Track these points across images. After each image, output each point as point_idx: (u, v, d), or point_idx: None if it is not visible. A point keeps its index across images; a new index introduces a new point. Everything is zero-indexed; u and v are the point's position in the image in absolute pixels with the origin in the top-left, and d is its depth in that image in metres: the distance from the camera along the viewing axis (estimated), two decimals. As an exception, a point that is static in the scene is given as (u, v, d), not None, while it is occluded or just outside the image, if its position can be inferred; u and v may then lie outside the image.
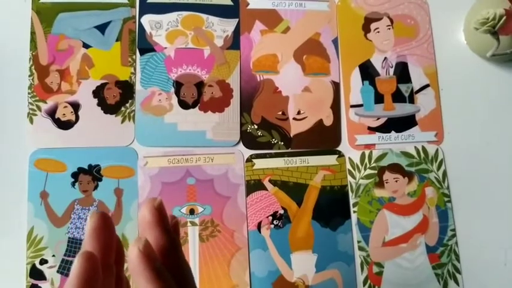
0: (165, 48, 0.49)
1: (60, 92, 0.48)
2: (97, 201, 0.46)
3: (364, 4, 0.52)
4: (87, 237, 0.25)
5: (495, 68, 0.52)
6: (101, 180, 0.46)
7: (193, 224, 0.46)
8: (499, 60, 0.52)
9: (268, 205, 0.47)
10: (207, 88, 0.49)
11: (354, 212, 0.48)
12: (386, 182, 0.49)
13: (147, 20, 0.50)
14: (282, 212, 0.47)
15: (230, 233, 0.46)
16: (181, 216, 0.46)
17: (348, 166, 0.49)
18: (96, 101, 0.48)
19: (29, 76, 0.48)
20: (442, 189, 0.49)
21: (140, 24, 0.50)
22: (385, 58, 0.51)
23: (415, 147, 0.50)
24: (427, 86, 0.51)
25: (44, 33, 0.49)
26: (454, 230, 0.48)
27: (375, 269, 0.47)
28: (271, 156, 0.48)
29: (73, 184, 0.46)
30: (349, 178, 0.49)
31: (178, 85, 0.49)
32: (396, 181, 0.49)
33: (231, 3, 0.51)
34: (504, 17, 0.43)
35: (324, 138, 0.49)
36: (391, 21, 0.52)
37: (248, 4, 0.51)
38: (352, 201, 0.48)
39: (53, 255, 0.45)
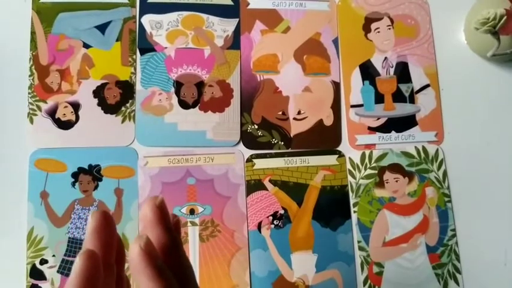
0: (166, 48, 0.49)
1: (60, 92, 0.48)
2: (97, 201, 0.46)
3: (365, 4, 0.52)
4: (89, 235, 0.25)
5: (495, 68, 0.52)
6: (101, 180, 0.46)
7: (193, 224, 0.46)
8: (500, 60, 0.52)
9: (269, 205, 0.47)
10: (207, 88, 0.49)
11: (354, 212, 0.48)
12: (387, 182, 0.49)
13: (148, 19, 0.50)
14: (282, 212, 0.47)
15: (230, 233, 0.46)
16: (181, 216, 0.46)
17: (348, 166, 0.49)
18: (96, 101, 0.48)
19: (29, 76, 0.48)
20: (443, 189, 0.49)
21: (140, 24, 0.50)
22: (386, 58, 0.51)
23: (416, 147, 0.50)
24: (427, 86, 0.51)
25: (44, 33, 0.49)
26: (454, 230, 0.48)
27: (375, 269, 0.47)
28: (271, 156, 0.48)
29: (73, 184, 0.46)
30: (350, 178, 0.49)
31: (178, 85, 0.49)
32: (396, 181, 0.49)
33: (231, 3, 0.51)
34: (504, 17, 0.43)
35: (324, 138, 0.49)
36: (392, 21, 0.52)
37: (248, 4, 0.51)
38: (352, 201, 0.48)
39: (53, 255, 0.45)
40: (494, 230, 0.49)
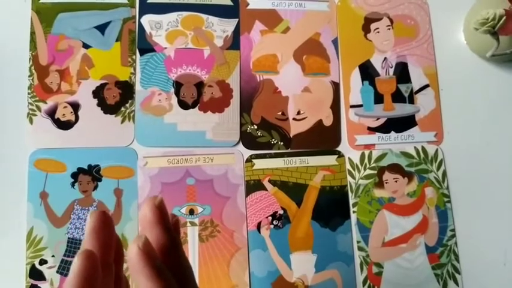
0: (165, 48, 0.49)
1: (60, 92, 0.48)
2: (97, 202, 0.46)
3: (364, 4, 0.52)
4: (87, 235, 0.25)
5: (495, 68, 0.52)
6: (100, 180, 0.46)
7: (192, 224, 0.46)
8: (499, 61, 0.52)
9: (268, 205, 0.47)
10: (207, 88, 0.49)
11: (354, 212, 0.48)
12: (386, 182, 0.49)
13: (147, 20, 0.50)
14: (281, 212, 0.47)
15: (230, 233, 0.46)
16: (180, 217, 0.46)
17: (348, 166, 0.49)
18: (96, 101, 0.48)
19: (29, 76, 0.48)
20: (442, 190, 0.49)
21: (140, 25, 0.50)
22: (385, 58, 0.51)
23: (415, 147, 0.50)
24: (426, 86, 0.51)
25: (44, 33, 0.49)
26: (453, 230, 0.48)
27: (375, 269, 0.47)
28: (270, 156, 0.49)
29: (73, 184, 0.46)
30: (349, 178, 0.49)
31: (178, 85, 0.49)
32: (396, 181, 0.49)
33: (231, 3, 0.51)
34: (504, 17, 0.43)
35: (323, 139, 0.49)
36: (391, 21, 0.52)
37: (248, 4, 0.51)
38: (351, 201, 0.48)
39: (53, 256, 0.45)
40: (493, 230, 0.49)
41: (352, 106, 0.50)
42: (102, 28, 0.49)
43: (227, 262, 0.46)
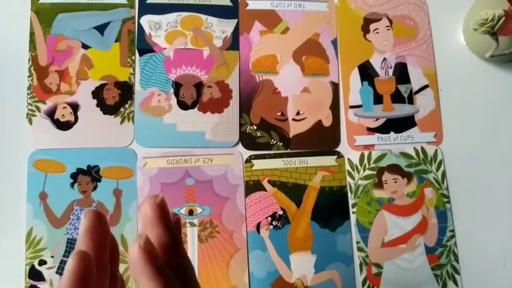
0: (164, 48, 0.49)
1: (59, 93, 0.48)
2: (96, 202, 0.46)
3: (364, 5, 0.52)
4: (81, 236, 0.25)
5: (494, 69, 0.52)
6: (100, 181, 0.46)
7: (192, 224, 0.46)
8: (498, 61, 0.52)
9: (267, 206, 0.47)
10: (206, 89, 0.49)
11: (353, 212, 0.48)
12: (386, 183, 0.49)
13: (146, 20, 0.50)
14: (281, 212, 0.47)
15: (229, 233, 0.46)
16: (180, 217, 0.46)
17: (347, 167, 0.49)
18: (95, 101, 0.48)
19: (28, 77, 0.48)
20: (441, 190, 0.49)
21: (139, 25, 0.50)
22: (385, 59, 0.51)
23: (414, 147, 0.50)
24: (426, 86, 0.51)
25: (43, 33, 0.49)
26: (453, 230, 0.48)
27: (374, 270, 0.47)
28: (270, 157, 0.48)
29: (72, 185, 0.46)
30: (348, 179, 0.49)
31: (177, 86, 0.49)
32: (395, 182, 0.49)
33: (230, 4, 0.51)
34: (503, 18, 0.43)
35: (323, 139, 0.49)
36: (391, 21, 0.52)
37: (247, 5, 0.51)
38: (351, 202, 0.48)
39: (52, 256, 0.45)
40: (493, 231, 0.49)
41: (351, 107, 0.50)
42: (101, 28, 0.49)
43: (226, 263, 0.46)
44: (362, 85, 0.51)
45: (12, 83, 0.48)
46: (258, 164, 0.48)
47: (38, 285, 0.44)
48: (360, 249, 0.47)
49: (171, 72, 0.49)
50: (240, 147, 0.49)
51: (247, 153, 0.48)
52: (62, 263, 0.45)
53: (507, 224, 0.49)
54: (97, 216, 0.25)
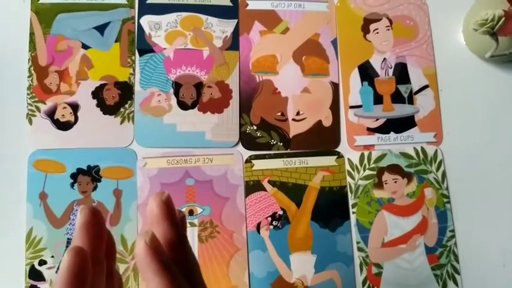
0: (164, 49, 0.49)
1: (59, 93, 0.48)
2: (96, 202, 0.46)
3: (364, 5, 0.52)
4: (77, 231, 0.25)
5: (494, 69, 0.52)
6: (100, 181, 0.46)
7: (192, 225, 0.46)
8: (498, 61, 0.52)
9: (268, 206, 0.47)
10: (206, 89, 0.49)
11: (353, 212, 0.48)
12: (386, 183, 0.49)
13: (146, 20, 0.50)
14: (281, 212, 0.47)
15: (229, 233, 0.46)
16: (180, 217, 0.46)
17: (347, 167, 0.49)
18: (95, 101, 0.48)
19: (28, 77, 0.48)
20: (441, 190, 0.49)
21: (139, 25, 0.50)
22: (384, 59, 0.51)
23: (414, 148, 0.50)
24: (426, 86, 0.51)
25: (43, 34, 0.49)
26: (453, 230, 0.48)
27: (374, 270, 0.47)
28: (270, 157, 0.48)
29: (72, 185, 0.46)
30: (348, 179, 0.49)
31: (177, 86, 0.49)
32: (395, 182, 0.49)
33: (230, 4, 0.51)
34: (503, 18, 0.43)
35: (323, 139, 0.49)
36: (391, 22, 0.52)
37: (247, 5, 0.51)
38: (351, 202, 0.48)
39: (52, 256, 0.45)
40: (493, 231, 0.49)
41: (351, 107, 0.50)
42: (101, 29, 0.49)
43: (226, 263, 0.46)
44: (362, 85, 0.51)
45: (12, 83, 0.48)
46: (258, 164, 0.48)
47: (38, 285, 0.44)
48: (360, 249, 0.47)
49: (171, 73, 0.49)
50: (240, 147, 0.49)
51: (247, 153, 0.48)
52: (62, 263, 0.45)
53: (507, 224, 0.49)
54: (92, 212, 0.25)
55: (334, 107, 0.50)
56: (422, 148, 0.50)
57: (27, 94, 0.47)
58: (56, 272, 0.45)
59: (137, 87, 0.49)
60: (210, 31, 0.50)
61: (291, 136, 0.49)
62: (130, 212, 0.46)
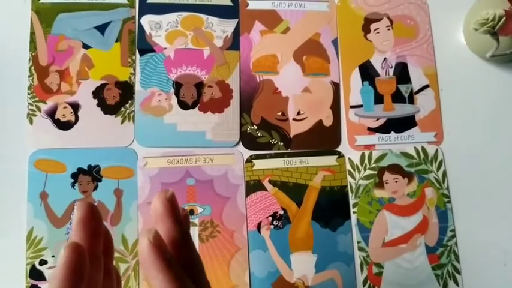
0: (165, 48, 0.49)
1: (59, 93, 0.48)
2: (96, 202, 0.46)
3: (364, 5, 0.52)
4: (74, 227, 0.25)
5: (495, 69, 0.52)
6: (100, 180, 0.46)
7: (193, 224, 0.46)
8: (499, 61, 0.52)
9: (268, 206, 0.47)
10: (207, 89, 0.49)
11: (354, 212, 0.48)
12: (386, 183, 0.49)
13: (147, 20, 0.50)
14: (281, 212, 0.47)
15: (230, 233, 0.46)
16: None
17: (348, 167, 0.49)
18: (95, 101, 0.48)
19: (29, 77, 0.48)
20: (442, 190, 0.49)
21: (140, 25, 0.50)
22: (385, 59, 0.51)
23: (415, 147, 0.50)
24: (426, 86, 0.51)
25: (44, 33, 0.49)
26: (453, 230, 0.48)
27: (375, 270, 0.47)
28: (270, 156, 0.48)
29: (73, 185, 0.46)
30: (349, 179, 0.49)
31: (178, 86, 0.49)
32: (396, 182, 0.49)
33: (231, 4, 0.51)
34: (504, 18, 0.43)
35: (323, 139, 0.49)
36: (391, 21, 0.52)
37: (248, 4, 0.51)
38: (351, 201, 0.48)
39: (53, 256, 0.45)
40: (494, 230, 0.49)
41: (352, 106, 0.50)
42: (102, 28, 0.49)
43: (227, 262, 0.46)
44: (363, 85, 0.51)
45: (13, 82, 0.48)
46: (259, 164, 0.48)
47: (39, 285, 0.44)
48: (360, 249, 0.47)
49: (172, 72, 0.49)
50: (241, 147, 0.49)
51: (248, 153, 0.48)
52: (63, 262, 0.45)
53: (508, 224, 0.49)
54: (89, 208, 0.25)
55: (335, 107, 0.50)
56: (422, 148, 0.50)
57: (28, 94, 0.47)
58: (57, 271, 0.45)
59: (138, 87, 0.49)
60: (211, 31, 0.50)
61: (291, 136, 0.49)
62: (131, 212, 0.46)
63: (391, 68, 0.51)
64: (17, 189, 0.46)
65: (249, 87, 0.50)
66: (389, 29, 0.52)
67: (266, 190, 0.48)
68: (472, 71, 0.52)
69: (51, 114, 0.47)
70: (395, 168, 0.49)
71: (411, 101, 0.51)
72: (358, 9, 0.52)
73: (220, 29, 0.50)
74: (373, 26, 0.52)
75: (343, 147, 0.50)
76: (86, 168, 0.46)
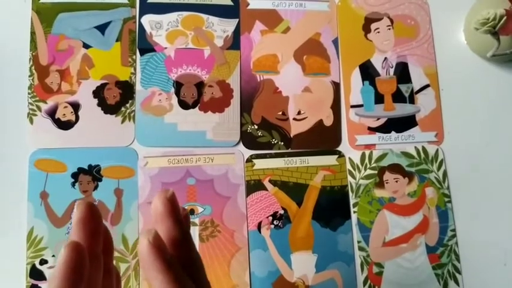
0: (165, 48, 0.49)
1: (60, 92, 0.48)
2: (97, 202, 0.46)
3: (365, 4, 0.52)
4: (74, 226, 0.25)
5: (495, 69, 0.52)
6: (101, 180, 0.46)
7: (193, 224, 0.46)
8: (500, 61, 0.52)
9: (268, 205, 0.47)
10: (207, 88, 0.49)
11: (354, 212, 0.48)
12: (387, 182, 0.49)
13: (147, 20, 0.50)
14: (282, 212, 0.47)
15: (230, 233, 0.46)
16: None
17: (348, 166, 0.49)
18: (96, 101, 0.48)
19: (29, 76, 0.48)
20: (442, 190, 0.49)
21: (140, 25, 0.50)
22: (385, 58, 0.51)
23: (415, 147, 0.50)
24: (427, 86, 0.51)
25: (44, 33, 0.49)
26: (454, 230, 0.48)
27: (375, 269, 0.47)
28: (271, 156, 0.48)
29: (73, 184, 0.46)
30: (349, 178, 0.49)
31: (178, 85, 0.49)
32: (396, 181, 0.49)
33: (231, 4, 0.51)
34: (504, 17, 0.43)
35: (324, 139, 0.49)
36: (392, 21, 0.52)
37: (248, 4, 0.51)
38: (352, 201, 0.48)
39: (53, 256, 0.45)
40: (494, 230, 0.49)
41: (352, 106, 0.50)
42: (102, 28, 0.49)
43: (227, 262, 0.46)
44: (363, 85, 0.51)
45: (13, 82, 0.48)
46: (259, 164, 0.48)
47: (39, 285, 0.44)
48: (361, 249, 0.47)
49: (172, 72, 0.49)
50: (241, 146, 0.49)
51: (248, 152, 0.48)
52: (63, 262, 0.45)
53: (508, 223, 0.49)
54: (89, 207, 0.25)
55: (335, 107, 0.50)
56: (423, 147, 0.50)
57: (28, 93, 0.47)
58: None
59: (138, 87, 0.49)
60: (211, 30, 0.50)
61: (292, 135, 0.49)
62: (131, 212, 0.46)
63: (392, 67, 0.51)
64: (17, 188, 0.46)
65: (250, 87, 0.50)
66: (389, 29, 0.52)
67: (266, 190, 0.48)
68: (473, 70, 0.52)
69: (52, 113, 0.47)
70: (395, 168, 0.49)
71: (411, 100, 0.51)
72: (358, 8, 0.52)
73: (221, 28, 0.50)
74: (373, 26, 0.52)
75: (344, 146, 0.50)
76: (86, 167, 0.46)
